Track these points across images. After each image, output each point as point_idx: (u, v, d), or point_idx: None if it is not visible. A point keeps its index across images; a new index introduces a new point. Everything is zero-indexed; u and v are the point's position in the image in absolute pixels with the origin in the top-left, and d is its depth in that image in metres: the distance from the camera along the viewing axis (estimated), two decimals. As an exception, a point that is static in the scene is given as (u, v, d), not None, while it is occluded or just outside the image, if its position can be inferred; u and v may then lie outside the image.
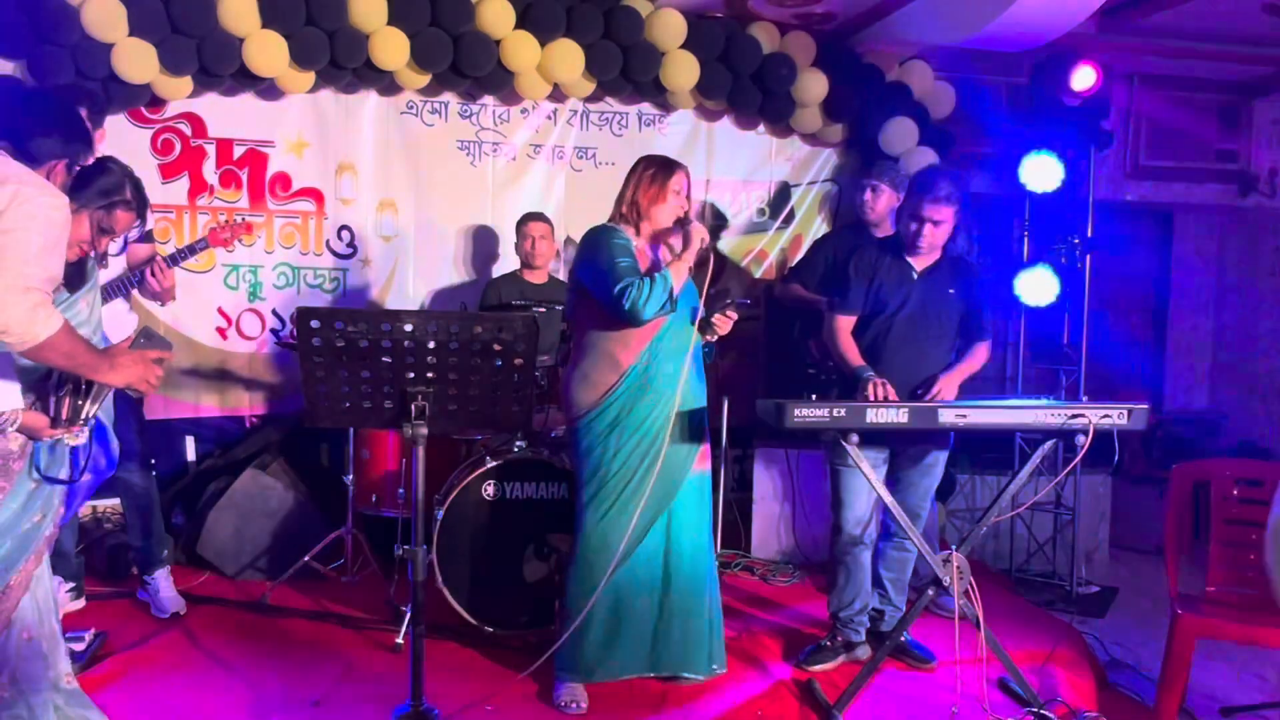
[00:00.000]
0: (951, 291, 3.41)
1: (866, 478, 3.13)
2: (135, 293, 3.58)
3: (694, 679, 3.15)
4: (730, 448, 4.69)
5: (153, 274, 3.42)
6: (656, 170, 3.11)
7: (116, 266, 3.54)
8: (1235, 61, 5.45)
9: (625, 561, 3.03)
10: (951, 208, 3.29)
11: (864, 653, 3.45)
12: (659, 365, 3.04)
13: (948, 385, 3.34)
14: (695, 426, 3.13)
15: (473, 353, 2.28)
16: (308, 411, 2.35)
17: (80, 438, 2.26)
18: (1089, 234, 4.78)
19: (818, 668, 3.38)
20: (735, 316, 3.13)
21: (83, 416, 2.22)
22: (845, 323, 3.45)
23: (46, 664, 2.34)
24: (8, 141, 2.23)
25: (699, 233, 3.03)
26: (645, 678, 3.15)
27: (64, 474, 2.30)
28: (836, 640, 3.46)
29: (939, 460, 3.44)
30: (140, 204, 2.49)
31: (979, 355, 3.47)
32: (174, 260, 3.50)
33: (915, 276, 3.40)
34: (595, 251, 3.04)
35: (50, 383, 2.22)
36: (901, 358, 3.39)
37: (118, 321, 3.53)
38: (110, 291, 3.48)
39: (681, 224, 3.09)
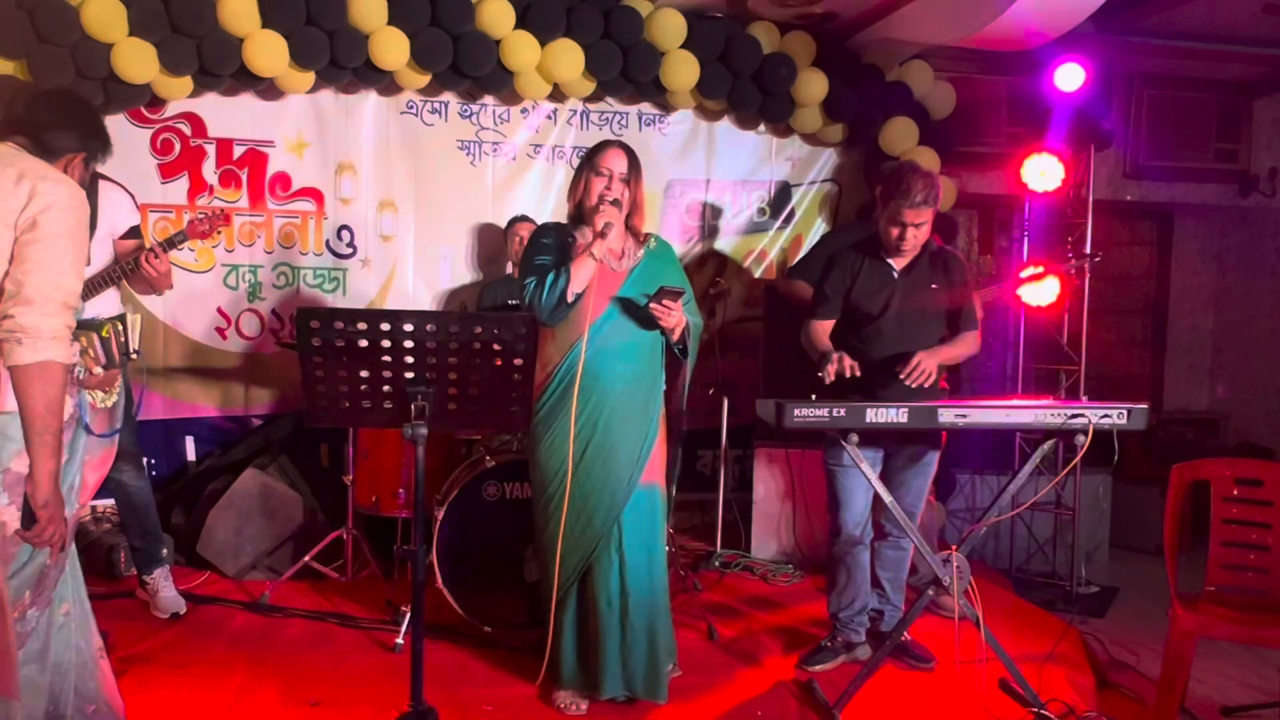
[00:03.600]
0: (934, 287, 3.40)
1: (866, 477, 3.13)
2: (128, 286, 3.55)
3: (656, 704, 3.02)
4: (730, 448, 4.70)
5: (147, 260, 3.40)
6: (584, 159, 3.05)
7: (99, 261, 3.52)
8: (1235, 61, 5.45)
9: (584, 570, 2.96)
10: (930, 209, 3.28)
11: (864, 653, 3.45)
12: (591, 363, 2.88)
13: (927, 359, 3.20)
14: (636, 432, 2.98)
15: (473, 353, 2.28)
16: (308, 411, 2.35)
17: (111, 399, 2.32)
18: (1089, 235, 4.78)
19: (818, 668, 3.38)
20: (672, 306, 2.87)
21: (131, 352, 2.30)
22: (822, 326, 3.47)
23: (84, 637, 2.38)
24: (23, 136, 2.23)
25: (601, 218, 2.89)
26: (619, 700, 3.02)
27: (105, 429, 2.36)
28: (837, 641, 3.46)
29: (932, 459, 3.43)
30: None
31: (967, 342, 3.42)
32: (164, 249, 3.47)
33: (896, 276, 3.40)
34: (525, 251, 3.11)
35: (94, 323, 2.26)
36: (891, 357, 3.38)
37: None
38: (97, 284, 3.46)
39: (591, 212, 2.95)
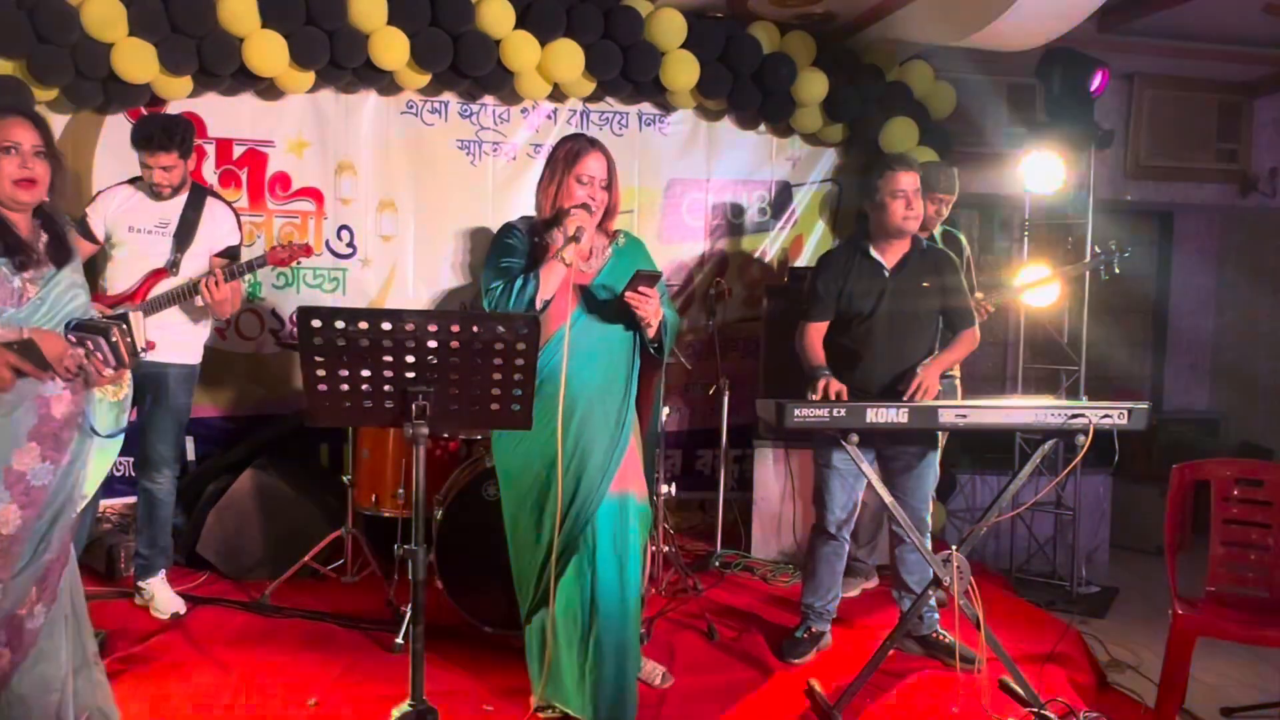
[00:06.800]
0: (926, 285, 3.40)
1: (868, 478, 3.14)
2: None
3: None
4: (730, 448, 4.70)
5: (205, 286, 3.43)
6: (559, 160, 2.88)
7: (188, 272, 3.56)
8: (1235, 61, 5.45)
9: (548, 574, 2.78)
10: (916, 174, 3.34)
11: (826, 641, 3.56)
12: (560, 364, 2.70)
13: (929, 377, 3.26)
14: (606, 438, 2.82)
15: (473, 352, 2.28)
16: (308, 411, 2.34)
17: (121, 391, 2.32)
18: (1089, 235, 4.78)
19: (797, 661, 3.44)
20: (649, 293, 2.72)
21: (138, 350, 2.30)
22: (816, 329, 3.47)
23: (78, 642, 2.37)
24: None
25: (573, 223, 2.76)
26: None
27: (113, 427, 2.36)
28: (810, 631, 3.53)
29: (931, 461, 3.44)
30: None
31: (965, 342, 3.42)
32: (230, 275, 3.50)
33: (886, 274, 3.41)
34: (489, 250, 2.93)
35: (100, 325, 2.25)
36: (882, 356, 3.40)
37: (178, 330, 3.57)
38: (165, 301, 3.48)
39: (561, 216, 2.83)
